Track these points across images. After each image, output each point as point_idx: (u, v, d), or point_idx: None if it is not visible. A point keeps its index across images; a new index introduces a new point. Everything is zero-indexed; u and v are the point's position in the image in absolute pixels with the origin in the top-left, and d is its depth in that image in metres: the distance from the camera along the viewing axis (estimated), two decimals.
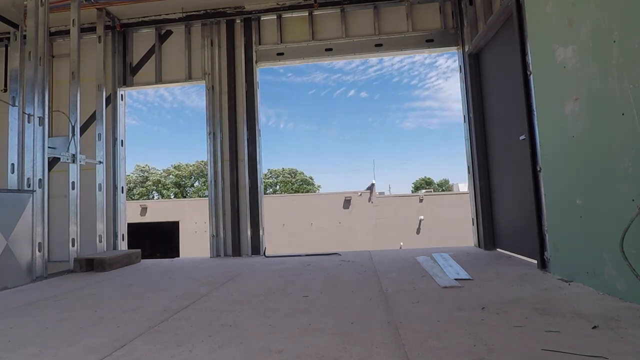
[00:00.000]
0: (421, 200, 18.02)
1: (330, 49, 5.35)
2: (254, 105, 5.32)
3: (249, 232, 5.17)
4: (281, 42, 5.42)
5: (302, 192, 39.51)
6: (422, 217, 17.58)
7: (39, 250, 3.83)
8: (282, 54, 5.41)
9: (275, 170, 50.97)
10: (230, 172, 5.25)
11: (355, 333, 1.87)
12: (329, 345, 1.74)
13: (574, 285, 2.56)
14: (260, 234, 5.20)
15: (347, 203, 18.59)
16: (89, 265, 4.28)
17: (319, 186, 47.27)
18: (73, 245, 4.35)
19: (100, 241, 5.10)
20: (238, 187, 5.24)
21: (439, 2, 5.23)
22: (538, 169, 3.11)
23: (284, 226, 18.10)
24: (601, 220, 2.33)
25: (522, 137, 3.47)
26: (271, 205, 18.75)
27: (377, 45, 5.29)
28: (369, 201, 18.30)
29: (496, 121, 4.32)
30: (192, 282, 3.36)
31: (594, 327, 1.78)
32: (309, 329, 1.97)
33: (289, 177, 49.07)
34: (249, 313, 2.30)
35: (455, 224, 16.33)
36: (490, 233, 4.57)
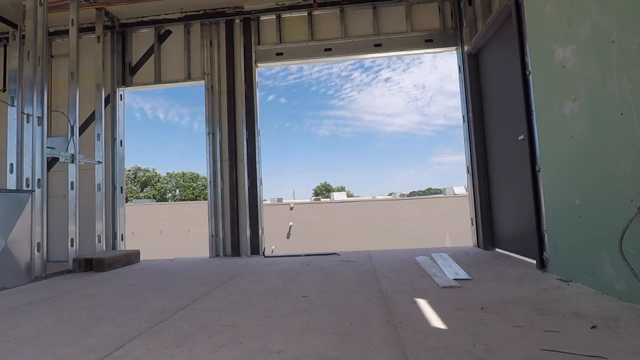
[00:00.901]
0: (291, 209, 19.33)
1: (330, 49, 5.35)
2: (254, 106, 5.32)
3: (248, 232, 5.17)
4: (280, 42, 5.42)
5: (202, 200, 39.12)
6: (291, 223, 18.97)
7: (38, 250, 3.82)
8: (281, 54, 5.41)
9: (175, 174, 48.69)
10: (230, 172, 5.25)
11: (355, 333, 1.87)
12: (329, 345, 1.74)
13: (573, 285, 2.57)
14: (260, 234, 5.20)
15: None
16: (88, 265, 4.27)
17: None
18: (72, 245, 4.35)
19: (99, 241, 5.09)
20: (237, 187, 5.24)
21: (438, 2, 5.24)
22: (537, 169, 3.11)
23: (161, 233, 19.24)
24: (600, 220, 2.33)
25: (521, 137, 3.47)
26: (151, 213, 19.90)
27: (376, 46, 5.29)
28: None
29: (495, 121, 4.32)
30: (192, 282, 3.36)
31: (593, 327, 1.78)
32: (308, 329, 1.97)
33: (190, 182, 47.71)
34: (248, 313, 2.30)
35: (322, 229, 18.16)
36: (489, 233, 4.58)
